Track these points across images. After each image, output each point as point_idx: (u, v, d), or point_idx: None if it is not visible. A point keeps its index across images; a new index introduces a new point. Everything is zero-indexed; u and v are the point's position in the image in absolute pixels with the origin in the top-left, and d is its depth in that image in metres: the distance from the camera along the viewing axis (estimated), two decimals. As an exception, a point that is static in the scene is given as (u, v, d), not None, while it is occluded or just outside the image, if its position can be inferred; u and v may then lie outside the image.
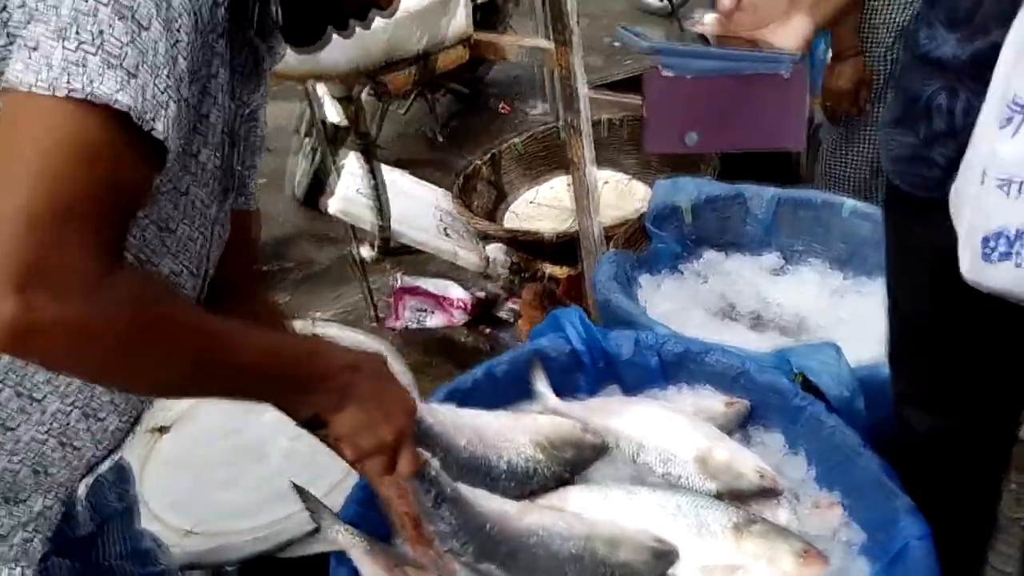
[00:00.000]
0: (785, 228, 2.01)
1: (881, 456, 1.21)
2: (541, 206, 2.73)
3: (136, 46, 0.63)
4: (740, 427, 1.37)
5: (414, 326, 2.64)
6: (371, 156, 2.18)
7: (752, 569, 1.10)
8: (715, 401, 1.38)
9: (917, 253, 1.10)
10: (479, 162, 2.77)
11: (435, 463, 1.04)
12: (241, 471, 1.56)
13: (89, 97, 0.61)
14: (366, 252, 2.57)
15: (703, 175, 2.31)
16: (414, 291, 2.65)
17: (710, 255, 2.01)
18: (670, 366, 1.44)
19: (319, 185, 2.64)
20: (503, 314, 2.71)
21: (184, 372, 0.75)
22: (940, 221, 0.93)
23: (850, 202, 1.95)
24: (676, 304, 1.87)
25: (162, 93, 0.65)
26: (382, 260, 2.55)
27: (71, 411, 0.85)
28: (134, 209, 0.69)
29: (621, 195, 2.71)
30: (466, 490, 1.08)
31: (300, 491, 1.15)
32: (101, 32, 0.61)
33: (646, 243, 1.98)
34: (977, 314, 0.99)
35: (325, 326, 2.13)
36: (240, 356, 0.78)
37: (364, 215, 2.37)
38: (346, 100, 1.98)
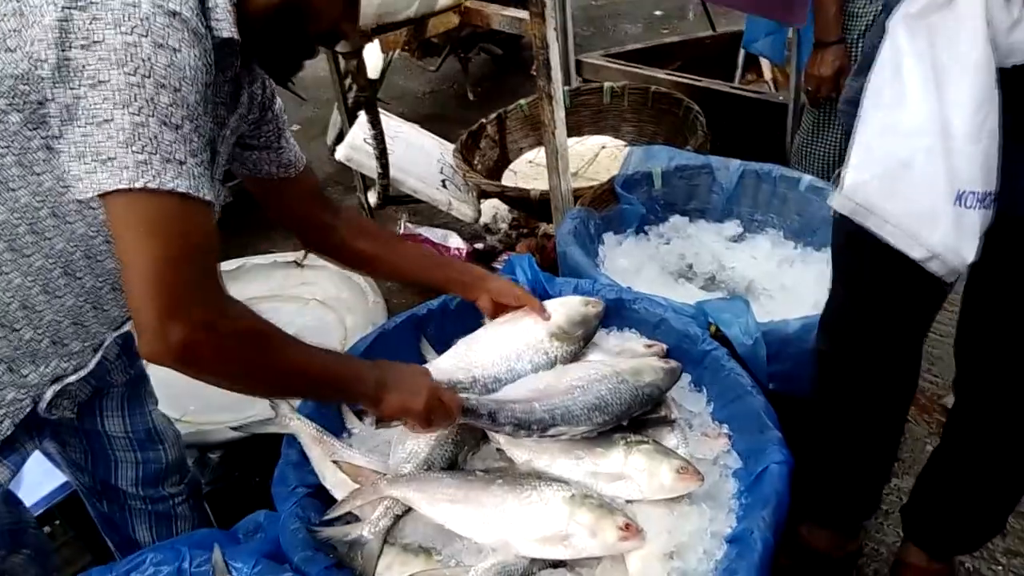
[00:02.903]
0: (747, 199, 2.14)
1: (766, 398, 1.38)
2: (539, 166, 2.88)
3: (178, 143, 0.88)
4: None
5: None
6: (372, 107, 2.35)
7: (635, 479, 1.28)
8: (637, 343, 1.57)
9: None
10: (485, 121, 2.93)
11: (470, 396, 1.32)
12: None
13: (160, 187, 0.86)
14: (372, 198, 2.77)
15: (693, 148, 2.43)
16: (415, 238, 2.85)
17: (675, 220, 2.16)
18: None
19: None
20: (497, 265, 2.90)
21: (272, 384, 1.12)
22: None
23: (807, 178, 2.07)
24: (635, 262, 2.03)
25: (198, 166, 0.90)
26: (383, 207, 2.74)
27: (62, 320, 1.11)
28: (216, 247, 0.95)
29: (617, 160, 2.85)
30: (502, 395, 1.35)
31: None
32: (155, 138, 0.86)
33: (615, 204, 2.14)
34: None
35: (323, 261, 2.34)
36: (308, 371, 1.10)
37: (367, 163, 2.57)
38: (349, 54, 2.17)
